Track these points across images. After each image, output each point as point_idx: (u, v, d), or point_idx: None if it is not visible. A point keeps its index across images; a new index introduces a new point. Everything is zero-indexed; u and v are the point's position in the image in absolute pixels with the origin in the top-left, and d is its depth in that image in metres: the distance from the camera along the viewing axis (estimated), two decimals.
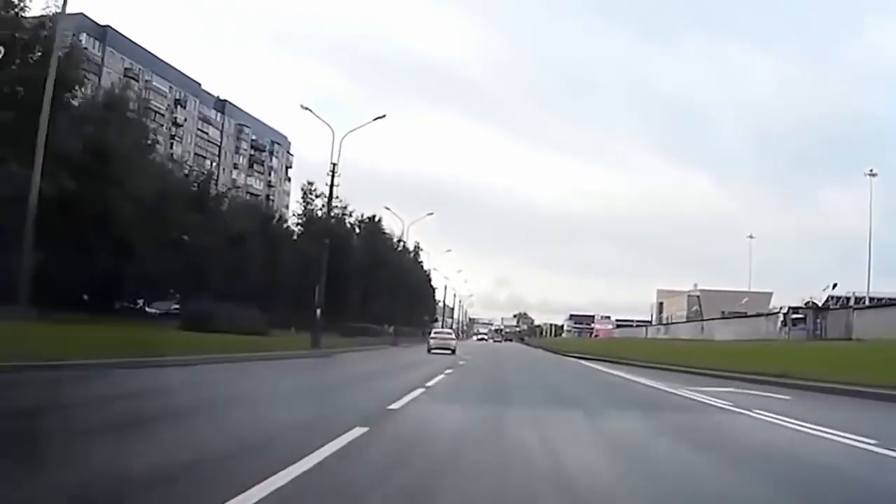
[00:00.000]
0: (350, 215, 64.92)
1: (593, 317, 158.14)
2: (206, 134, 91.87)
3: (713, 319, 64.16)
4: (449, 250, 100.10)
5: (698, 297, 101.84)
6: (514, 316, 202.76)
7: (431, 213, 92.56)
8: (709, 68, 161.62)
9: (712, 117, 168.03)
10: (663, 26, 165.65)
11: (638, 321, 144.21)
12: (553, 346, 67.95)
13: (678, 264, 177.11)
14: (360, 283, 60.69)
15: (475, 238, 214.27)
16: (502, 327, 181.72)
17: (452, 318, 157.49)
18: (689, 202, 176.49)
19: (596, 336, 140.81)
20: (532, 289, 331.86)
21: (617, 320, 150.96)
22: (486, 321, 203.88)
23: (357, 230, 67.14)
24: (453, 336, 44.07)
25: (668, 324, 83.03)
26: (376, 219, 70.11)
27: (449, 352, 36.83)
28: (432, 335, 42.94)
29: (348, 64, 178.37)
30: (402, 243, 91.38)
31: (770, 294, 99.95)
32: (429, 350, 37.99)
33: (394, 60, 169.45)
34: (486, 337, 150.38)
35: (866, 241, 59.46)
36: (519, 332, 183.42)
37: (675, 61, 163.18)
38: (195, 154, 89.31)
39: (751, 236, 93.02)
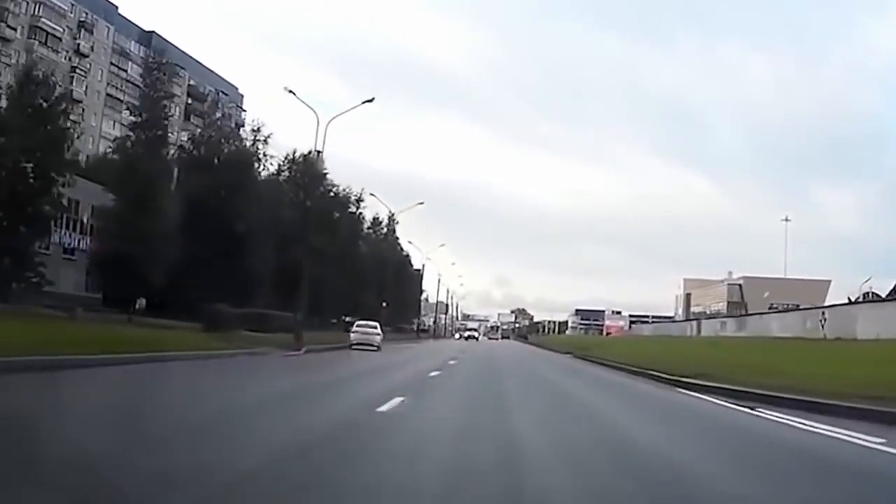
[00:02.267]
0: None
1: (602, 312, 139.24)
2: (125, 72, 73.00)
3: (787, 311, 45.69)
4: (443, 245, 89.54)
5: (740, 286, 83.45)
6: (512, 312, 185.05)
7: (422, 203, 75.70)
8: (704, 68, 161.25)
9: (708, 117, 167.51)
10: (659, 26, 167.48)
11: (654, 317, 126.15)
12: (562, 346, 49.42)
13: (674, 263, 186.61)
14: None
15: (471, 238, 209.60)
16: (499, 324, 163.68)
17: (446, 314, 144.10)
18: (685, 201, 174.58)
19: (608, 334, 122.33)
20: (529, 288, 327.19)
21: (630, 316, 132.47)
22: (483, 318, 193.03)
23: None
24: (378, 330, 36.22)
25: (713, 318, 64.59)
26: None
27: (374, 348, 33.42)
28: (354, 329, 36.87)
29: (338, 64, 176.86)
30: (378, 224, 74.49)
31: (828, 282, 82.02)
32: (350, 346, 33.00)
33: (386, 61, 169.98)
34: (475, 335, 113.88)
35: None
36: (518, 328, 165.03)
37: (670, 61, 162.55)
38: (107, 95, 70.80)
39: (786, 219, 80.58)
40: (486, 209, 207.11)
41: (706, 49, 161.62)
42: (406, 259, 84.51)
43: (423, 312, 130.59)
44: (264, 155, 42.04)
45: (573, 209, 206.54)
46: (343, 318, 55.42)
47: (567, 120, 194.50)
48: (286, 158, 50.18)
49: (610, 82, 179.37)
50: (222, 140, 42.98)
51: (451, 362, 24.16)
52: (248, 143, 43.37)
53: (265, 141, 41.80)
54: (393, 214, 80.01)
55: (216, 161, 40.56)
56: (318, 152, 34.27)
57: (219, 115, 60.29)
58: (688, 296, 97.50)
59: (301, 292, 30.13)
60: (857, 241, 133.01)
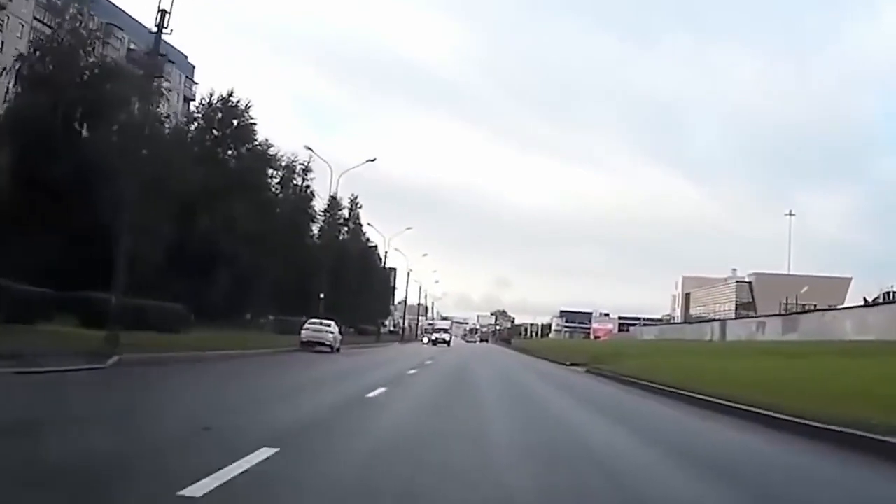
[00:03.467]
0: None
1: (590, 314, 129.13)
2: (49, 27, 61.16)
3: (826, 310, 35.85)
4: (425, 255, 79.22)
5: (750, 284, 73.81)
6: (492, 314, 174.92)
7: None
8: (694, 70, 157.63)
9: (694, 119, 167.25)
10: (650, 28, 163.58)
11: (646, 320, 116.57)
12: (558, 353, 39.15)
13: (661, 266, 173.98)
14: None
15: (454, 239, 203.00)
16: (477, 326, 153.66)
17: (425, 315, 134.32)
18: (672, 203, 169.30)
19: (597, 338, 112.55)
20: (510, 290, 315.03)
21: (620, 318, 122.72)
22: (461, 319, 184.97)
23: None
24: (332, 329, 32.97)
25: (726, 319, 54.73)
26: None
27: (328, 349, 31.18)
28: (305, 326, 33.06)
29: (329, 64, 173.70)
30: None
31: (848, 280, 72.82)
32: (301, 345, 30.40)
33: (376, 61, 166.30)
34: (445, 337, 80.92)
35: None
36: (499, 331, 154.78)
37: (660, 62, 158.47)
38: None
39: (791, 213, 73.09)
40: (468, 209, 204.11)
41: (696, 51, 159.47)
42: (371, 251, 73.82)
43: (395, 313, 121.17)
44: (158, 87, 30.14)
45: (557, 210, 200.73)
46: (269, 316, 44.71)
47: (555, 120, 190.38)
48: (201, 103, 39.52)
49: (600, 83, 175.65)
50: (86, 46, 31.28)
51: (374, 394, 12.23)
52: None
53: (160, 75, 29.68)
54: (356, 197, 69.93)
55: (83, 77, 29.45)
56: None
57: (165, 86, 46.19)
58: (687, 296, 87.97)
59: (117, 265, 17.33)
60: (842, 245, 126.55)
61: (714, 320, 47.81)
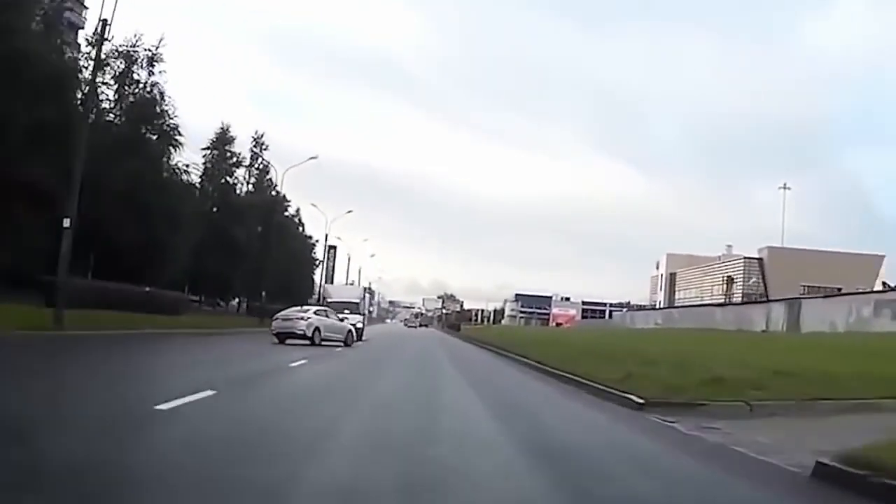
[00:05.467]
0: None
1: (549, 298, 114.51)
2: None
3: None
4: (366, 239, 68.08)
5: (761, 260, 59.67)
6: (439, 297, 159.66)
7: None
8: (651, 61, 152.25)
9: (652, 108, 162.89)
10: (609, 18, 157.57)
11: (612, 305, 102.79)
12: (544, 352, 23.28)
13: (614, 255, 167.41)
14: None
15: (407, 226, 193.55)
16: (423, 310, 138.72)
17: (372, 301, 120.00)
18: (618, 195, 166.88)
19: (558, 324, 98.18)
20: (461, 277, 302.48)
21: (583, 304, 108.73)
22: (409, 304, 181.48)
23: None
24: (309, 315, 26.89)
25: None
26: None
27: (306, 341, 24.98)
28: (275, 316, 27.60)
29: (283, 52, 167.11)
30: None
31: (882, 258, 59.60)
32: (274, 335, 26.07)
33: (332, 50, 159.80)
34: (315, 323, 26.07)
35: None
36: (446, 315, 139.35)
37: (615, 52, 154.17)
38: None
39: (785, 186, 62.24)
40: (423, 197, 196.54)
41: (653, 41, 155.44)
42: (290, 220, 57.40)
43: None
44: None
45: (513, 199, 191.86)
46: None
47: (511, 109, 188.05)
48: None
49: (559, 74, 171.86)
50: None
51: None
52: None
53: None
54: (260, 137, 53.06)
55: None
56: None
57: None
58: (672, 276, 73.78)
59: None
60: (794, 238, 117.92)
61: (775, 300, 32.51)
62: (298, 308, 29.17)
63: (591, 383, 12.59)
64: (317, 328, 26.01)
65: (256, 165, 51.57)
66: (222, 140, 47.07)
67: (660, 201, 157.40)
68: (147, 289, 31.82)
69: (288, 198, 60.31)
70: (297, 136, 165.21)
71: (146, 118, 33.59)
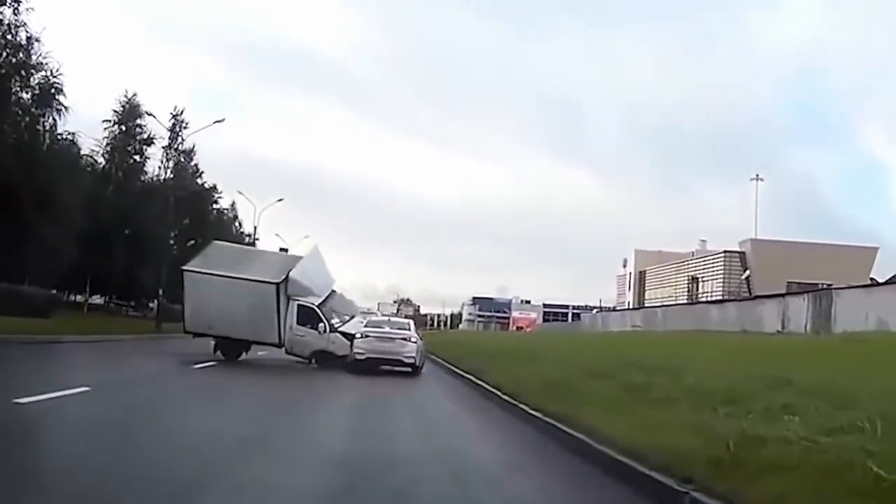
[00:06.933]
0: None
1: (509, 301, 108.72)
2: None
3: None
4: (307, 236, 61.48)
5: (743, 254, 54.45)
6: (395, 302, 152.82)
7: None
8: (588, 61, 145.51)
9: (592, 108, 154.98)
10: (544, 17, 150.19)
11: (575, 307, 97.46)
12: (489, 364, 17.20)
13: (563, 257, 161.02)
14: None
15: (362, 231, 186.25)
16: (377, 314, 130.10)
17: None
18: (568, 197, 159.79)
19: (518, 328, 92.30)
20: (414, 282, 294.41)
21: (545, 306, 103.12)
22: (366, 310, 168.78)
23: None
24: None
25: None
26: None
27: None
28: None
29: (221, 52, 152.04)
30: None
31: (875, 249, 55.12)
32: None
33: (265, 48, 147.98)
34: None
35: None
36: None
37: (554, 53, 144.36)
38: None
39: (758, 177, 58.10)
40: (375, 202, 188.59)
41: (591, 40, 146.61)
42: (205, 194, 49.84)
43: None
44: None
45: (461, 203, 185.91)
46: None
47: (452, 112, 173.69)
48: None
49: (497, 73, 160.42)
50: None
51: None
52: None
53: None
54: (180, 114, 45.73)
55: None
56: None
57: None
58: (641, 274, 68.48)
59: None
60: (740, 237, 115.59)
61: (792, 294, 26.81)
62: (382, 316, 22.35)
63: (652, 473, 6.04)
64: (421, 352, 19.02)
65: (175, 147, 44.28)
66: (131, 114, 39.86)
67: (616, 201, 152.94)
68: None
69: (219, 188, 53.40)
70: (243, 138, 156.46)
71: (13, 67, 26.49)
